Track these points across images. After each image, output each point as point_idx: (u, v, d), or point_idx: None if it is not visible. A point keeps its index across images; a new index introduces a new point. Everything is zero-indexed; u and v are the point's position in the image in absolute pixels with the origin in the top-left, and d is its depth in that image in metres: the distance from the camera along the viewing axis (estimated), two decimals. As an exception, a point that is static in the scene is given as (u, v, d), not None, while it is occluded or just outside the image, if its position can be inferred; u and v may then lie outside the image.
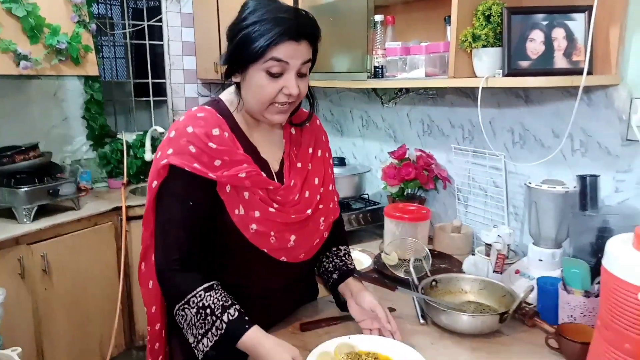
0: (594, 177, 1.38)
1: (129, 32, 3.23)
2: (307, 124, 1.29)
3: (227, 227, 1.13)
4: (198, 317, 1.07)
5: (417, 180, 1.96)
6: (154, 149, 3.18)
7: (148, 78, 3.37)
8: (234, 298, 1.13)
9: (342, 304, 1.32)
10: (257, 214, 1.13)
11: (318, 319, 1.31)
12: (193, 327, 1.09)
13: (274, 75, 1.07)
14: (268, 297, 1.26)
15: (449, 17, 1.54)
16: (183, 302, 1.09)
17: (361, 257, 1.84)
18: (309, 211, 1.21)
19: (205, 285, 1.10)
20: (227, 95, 1.20)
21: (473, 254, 1.68)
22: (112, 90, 3.28)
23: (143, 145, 3.15)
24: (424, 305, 1.31)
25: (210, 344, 1.07)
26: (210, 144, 1.09)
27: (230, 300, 1.10)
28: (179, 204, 1.11)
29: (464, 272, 1.60)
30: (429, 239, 1.89)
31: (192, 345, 1.09)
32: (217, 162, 1.09)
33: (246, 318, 1.08)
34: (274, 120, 1.14)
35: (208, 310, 1.07)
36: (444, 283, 1.42)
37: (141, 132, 3.22)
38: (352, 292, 1.27)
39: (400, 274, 1.56)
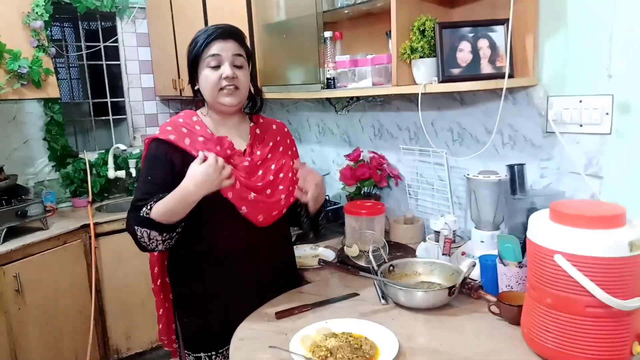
0: (521, 166, 1.59)
1: (85, 53, 3.29)
2: (274, 126, 1.65)
3: None
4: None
5: (371, 179, 2.14)
6: (117, 167, 3.25)
7: (104, 97, 3.42)
8: (204, 260, 1.49)
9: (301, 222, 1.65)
10: None
11: (291, 307, 1.44)
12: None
13: (214, 67, 1.44)
14: (233, 258, 1.50)
15: (390, 32, 1.73)
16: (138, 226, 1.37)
17: (326, 253, 2.00)
18: (259, 184, 1.49)
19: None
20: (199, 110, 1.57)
21: (425, 241, 1.87)
22: (70, 112, 3.32)
23: (105, 163, 3.21)
24: (384, 287, 1.49)
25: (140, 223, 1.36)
26: (178, 120, 1.50)
27: None
28: (145, 169, 1.46)
29: (417, 257, 1.78)
30: (385, 232, 2.06)
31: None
32: (184, 129, 1.46)
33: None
34: (226, 102, 1.47)
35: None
36: (400, 267, 1.60)
37: (102, 151, 3.28)
38: None
39: (362, 262, 1.73)
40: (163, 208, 1.33)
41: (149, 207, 1.35)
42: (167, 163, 1.43)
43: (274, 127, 1.65)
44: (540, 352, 1.13)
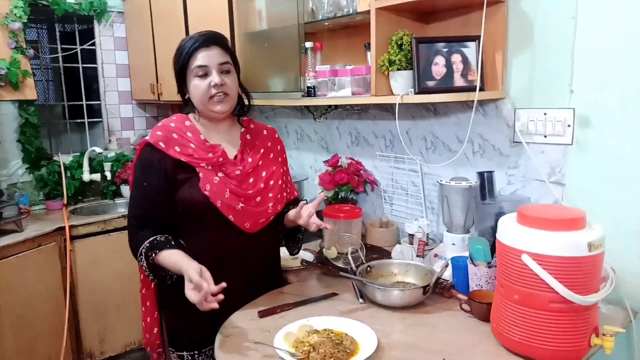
0: (490, 173, 1.69)
1: (60, 55, 3.27)
2: (265, 132, 1.66)
3: (196, 188, 1.45)
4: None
5: (349, 184, 2.22)
6: (92, 170, 3.23)
7: (78, 100, 3.39)
8: None
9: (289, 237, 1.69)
10: (215, 179, 1.47)
11: (274, 307, 1.49)
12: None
13: (202, 76, 1.46)
14: (221, 262, 1.49)
15: (368, 44, 1.82)
16: (138, 254, 1.44)
17: (305, 255, 2.06)
18: (250, 191, 1.51)
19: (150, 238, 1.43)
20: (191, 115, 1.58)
21: (399, 244, 1.95)
22: (43, 114, 3.28)
23: (80, 166, 3.19)
24: (362, 286, 1.55)
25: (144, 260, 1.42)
26: (170, 125, 1.51)
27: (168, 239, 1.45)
28: (140, 174, 1.48)
29: (392, 259, 1.86)
30: (362, 235, 2.14)
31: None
32: (175, 135, 1.48)
33: (173, 242, 1.43)
34: (217, 109, 1.48)
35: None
36: (377, 268, 1.67)
37: (77, 154, 3.26)
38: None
39: (340, 264, 1.80)
40: (163, 263, 1.40)
41: (153, 254, 1.41)
42: (161, 169, 1.45)
43: (265, 132, 1.65)
44: (508, 345, 1.22)
